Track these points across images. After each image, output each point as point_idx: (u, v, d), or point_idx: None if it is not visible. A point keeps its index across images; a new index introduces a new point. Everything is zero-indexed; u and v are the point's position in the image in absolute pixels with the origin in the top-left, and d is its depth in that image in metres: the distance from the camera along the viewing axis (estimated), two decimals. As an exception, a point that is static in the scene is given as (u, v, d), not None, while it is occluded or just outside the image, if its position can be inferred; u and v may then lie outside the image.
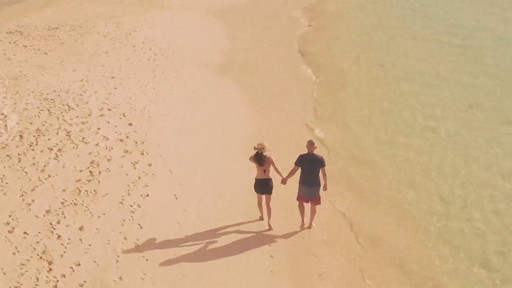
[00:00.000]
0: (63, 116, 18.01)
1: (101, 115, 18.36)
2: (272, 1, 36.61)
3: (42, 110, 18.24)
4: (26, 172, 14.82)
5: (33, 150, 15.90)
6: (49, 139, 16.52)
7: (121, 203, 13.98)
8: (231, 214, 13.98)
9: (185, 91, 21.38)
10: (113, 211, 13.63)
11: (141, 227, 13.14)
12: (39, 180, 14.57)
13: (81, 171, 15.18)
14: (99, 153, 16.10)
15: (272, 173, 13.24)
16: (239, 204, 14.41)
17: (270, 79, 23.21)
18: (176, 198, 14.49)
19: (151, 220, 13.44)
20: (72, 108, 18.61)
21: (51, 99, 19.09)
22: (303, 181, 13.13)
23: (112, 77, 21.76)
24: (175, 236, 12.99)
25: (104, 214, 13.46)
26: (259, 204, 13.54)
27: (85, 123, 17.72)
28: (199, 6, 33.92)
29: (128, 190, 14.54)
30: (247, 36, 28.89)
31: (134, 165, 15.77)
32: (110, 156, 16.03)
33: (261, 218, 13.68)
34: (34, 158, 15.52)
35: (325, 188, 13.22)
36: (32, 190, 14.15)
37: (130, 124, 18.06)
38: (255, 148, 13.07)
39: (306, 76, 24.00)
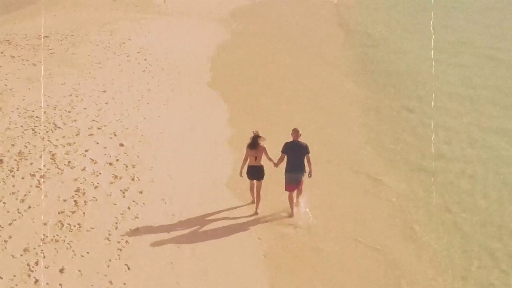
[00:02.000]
0: (48, 136, 16.66)
1: (90, 135, 17.03)
2: (276, 4, 35.17)
3: (26, 130, 16.91)
4: (4, 203, 13.45)
5: (13, 176, 14.54)
6: (31, 164, 15.17)
7: (108, 239, 12.61)
8: (230, 256, 12.59)
9: (182, 107, 20.07)
10: (98, 249, 12.25)
11: (128, 268, 11.76)
12: (18, 212, 13.20)
13: (65, 200, 13.82)
14: (85, 180, 14.74)
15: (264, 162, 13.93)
16: (239, 244, 13.03)
17: (275, 95, 21.80)
18: (169, 232, 13.11)
19: (140, 260, 12.06)
20: (59, 127, 17.27)
21: (36, 117, 17.74)
22: (289, 169, 13.76)
23: (104, 91, 20.43)
24: (167, 279, 11.60)
25: (88, 252, 12.09)
26: (251, 189, 14.29)
27: (72, 144, 16.38)
28: (198, 12, 32.63)
29: (116, 223, 13.17)
30: (250, 45, 27.44)
31: (123, 193, 14.41)
32: (98, 183, 14.67)
33: (253, 202, 14.36)
34: (14, 186, 14.17)
35: (310, 175, 13.89)
36: (10, 224, 12.77)
37: (121, 145, 16.73)
38: (253, 132, 13.86)
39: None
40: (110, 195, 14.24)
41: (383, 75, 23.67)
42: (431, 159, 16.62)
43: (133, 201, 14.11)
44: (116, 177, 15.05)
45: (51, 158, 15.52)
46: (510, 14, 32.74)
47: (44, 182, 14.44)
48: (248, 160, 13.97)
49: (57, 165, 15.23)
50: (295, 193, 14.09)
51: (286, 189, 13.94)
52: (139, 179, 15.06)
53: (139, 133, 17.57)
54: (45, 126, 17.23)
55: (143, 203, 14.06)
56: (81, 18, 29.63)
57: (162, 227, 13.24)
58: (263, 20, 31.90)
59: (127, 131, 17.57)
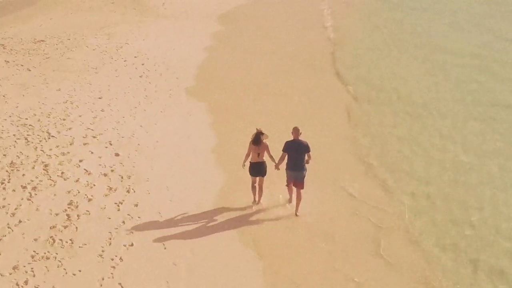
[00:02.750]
0: (41, 145, 16.18)
1: (85, 144, 16.53)
2: (275, 6, 34.53)
3: (18, 139, 16.43)
4: (-7, 218, 12.93)
5: (4, 189, 14.07)
6: (23, 175, 14.68)
7: (101, 255, 12.08)
8: (230, 276, 12.05)
9: (180, 114, 19.51)
10: (90, 267, 11.73)
11: (122, 288, 11.24)
12: (8, 227, 12.72)
13: (57, 214, 13.32)
14: (79, 192, 14.24)
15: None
16: (237, 260, 12.49)
17: (279, 100, 21.21)
18: (165, 248, 12.56)
19: (135, 278, 11.53)
20: (53, 136, 16.78)
21: (30, 125, 17.28)
22: (289, 167, 13.96)
23: (100, 97, 19.92)
24: (162, 300, 11.09)
25: (80, 270, 11.58)
26: (253, 187, 14.43)
27: (66, 154, 15.88)
28: (198, 14, 32.00)
29: (110, 239, 12.64)
30: (250, 49, 26.76)
31: (118, 206, 13.89)
32: (92, 196, 14.16)
33: (254, 201, 14.48)
34: (4, 199, 13.69)
35: (307, 162, 13.94)
36: (0, 240, 12.26)
37: (117, 155, 16.21)
38: (256, 130, 14.01)
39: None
40: (104, 208, 13.73)
41: (372, 82, 22.87)
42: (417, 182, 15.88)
43: (128, 214, 13.59)
44: (111, 189, 14.54)
45: (43, 169, 15.04)
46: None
47: (36, 194, 13.98)
48: (251, 156, 14.12)
49: (50, 177, 14.74)
50: (295, 192, 14.23)
51: (287, 184, 14.29)
52: (134, 191, 14.54)
53: (135, 142, 17.05)
54: (38, 135, 16.76)
55: (139, 217, 13.53)
56: (78, 21, 29.08)
57: (157, 243, 12.68)
58: (263, 20, 31.25)
59: (123, 140, 17.06)
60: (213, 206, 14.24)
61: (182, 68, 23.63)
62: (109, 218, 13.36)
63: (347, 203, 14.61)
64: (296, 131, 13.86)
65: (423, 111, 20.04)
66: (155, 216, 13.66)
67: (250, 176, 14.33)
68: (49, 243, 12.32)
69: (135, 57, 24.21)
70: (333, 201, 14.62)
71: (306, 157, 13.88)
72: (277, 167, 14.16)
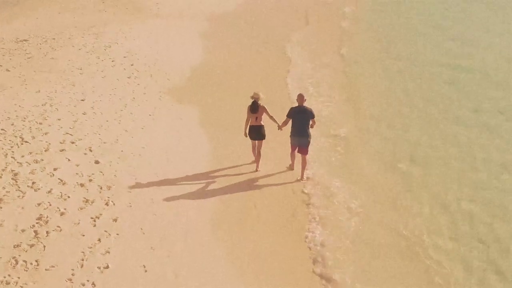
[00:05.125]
0: (12, 152, 14.44)
1: (61, 150, 14.79)
2: (271, 7, 32.78)
3: (-13, 145, 14.65)
4: None
5: (-37, 201, 12.27)
6: (-12, 185, 12.90)
7: (70, 280, 10.35)
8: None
9: (170, 117, 17.84)
10: (57, 294, 9.96)
11: (93, 320, 9.48)
12: (-35, 247, 10.93)
13: (23, 231, 11.57)
14: (50, 204, 12.49)
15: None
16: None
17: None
18: (146, 271, 10.81)
19: (108, 308, 9.76)
20: (26, 141, 15.04)
21: (1, 129, 15.58)
22: (293, 133, 14.24)
23: (82, 100, 18.19)
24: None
25: (44, 299, 9.79)
26: (253, 150, 14.92)
27: (39, 161, 14.14)
28: (192, 15, 30.23)
29: (82, 260, 10.89)
30: (246, 51, 24.99)
31: (94, 221, 12.14)
32: (65, 209, 12.41)
33: (253, 162, 15.00)
34: (-37, 213, 11.89)
35: (311, 126, 14.22)
36: (-47, 262, 10.53)
37: (97, 162, 14.47)
38: (251, 97, 14.32)
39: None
40: (78, 223, 11.99)
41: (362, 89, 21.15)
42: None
43: (105, 231, 11.84)
44: (87, 201, 12.80)
45: (12, 179, 13.29)
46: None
47: (1, 208, 12.21)
48: (250, 120, 14.43)
49: (19, 187, 12.99)
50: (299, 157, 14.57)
51: (292, 150, 14.64)
52: (114, 204, 12.80)
53: (119, 148, 15.32)
54: (10, 141, 15.04)
55: (117, 234, 11.79)
56: (66, 21, 27.35)
57: (137, 264, 10.95)
58: (259, 22, 29.50)
59: (105, 146, 15.33)
60: (206, 223, 12.49)
61: (174, 69, 21.92)
62: (83, 235, 11.62)
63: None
64: (300, 97, 14.15)
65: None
66: (136, 233, 11.94)
67: (250, 140, 14.78)
68: (11, 264, 10.59)
69: (124, 57, 22.50)
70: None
71: (310, 123, 14.06)
72: (280, 127, 14.47)
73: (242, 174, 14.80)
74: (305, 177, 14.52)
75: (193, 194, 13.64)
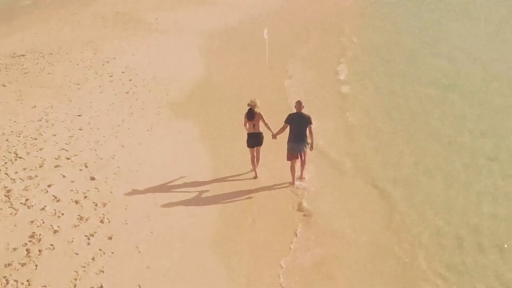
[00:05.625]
0: (6, 168, 14.12)
1: (56, 166, 14.44)
2: (269, 23, 32.48)
3: (-19, 161, 14.30)
4: None
5: (-46, 219, 11.90)
6: (-20, 203, 12.54)
7: (63, 301, 9.91)
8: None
9: (168, 132, 17.51)
10: (48, 316, 9.57)
11: None
12: (-47, 266, 10.54)
13: (15, 249, 11.18)
14: (43, 222, 12.12)
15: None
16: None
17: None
18: (141, 291, 10.40)
19: (101, 331, 9.36)
20: (20, 157, 14.70)
21: (-5, 145, 15.16)
22: (291, 139, 14.17)
23: (79, 115, 17.87)
24: None
25: (34, 321, 9.39)
26: (252, 161, 14.93)
27: (33, 177, 13.78)
28: (192, 30, 29.96)
29: (75, 279, 10.52)
30: (245, 66, 24.62)
31: (88, 238, 11.76)
32: (58, 226, 12.04)
33: (255, 177, 14.90)
34: (-47, 231, 11.52)
35: (311, 148, 14.27)
36: None
37: (92, 179, 14.11)
38: (248, 105, 14.36)
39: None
40: (72, 242, 11.60)
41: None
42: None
43: (100, 249, 11.45)
44: (81, 218, 12.42)
45: (5, 195, 12.95)
46: None
47: (-8, 225, 11.80)
48: (247, 127, 14.56)
49: (12, 204, 12.63)
50: (298, 166, 14.60)
51: (287, 159, 14.46)
52: (109, 221, 12.42)
53: (115, 164, 14.97)
54: (4, 156, 14.70)
55: (112, 252, 11.40)
56: (64, 36, 27.09)
57: (133, 284, 10.54)
58: (258, 38, 29.18)
59: (101, 162, 14.98)
60: (204, 242, 12.10)
61: (173, 84, 21.63)
62: (77, 254, 11.23)
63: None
64: (299, 104, 14.13)
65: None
66: (132, 251, 11.55)
67: (248, 148, 14.80)
68: (1, 284, 10.20)
69: (122, 72, 22.21)
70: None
71: (309, 136, 14.03)
72: (274, 136, 14.44)
73: (242, 190, 14.42)
74: (304, 176, 14.73)
75: (191, 211, 13.25)
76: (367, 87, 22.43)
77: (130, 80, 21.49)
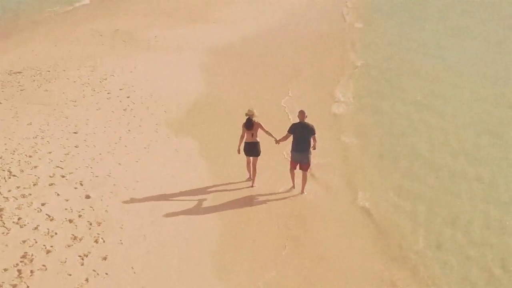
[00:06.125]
0: (-1, 186, 13.70)
1: (50, 185, 14.11)
2: (269, 42, 32.19)
3: (-27, 180, 13.96)
4: None
5: None
6: (-29, 222, 12.18)
7: (54, 325, 9.51)
8: None
9: (166, 150, 17.18)
10: None
11: None
12: None
13: (5, 270, 10.87)
14: (36, 242, 11.78)
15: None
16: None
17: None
18: (136, 314, 10.00)
19: None
20: (14, 175, 14.37)
21: (-11, 164, 14.82)
22: (294, 148, 14.34)
23: (75, 132, 17.56)
24: None
25: None
26: (248, 166, 15.12)
27: (27, 196, 13.46)
28: (191, 47, 29.62)
29: (68, 302, 10.08)
30: (244, 84, 24.25)
31: (82, 259, 11.42)
32: (51, 246, 11.70)
33: (249, 179, 15.19)
34: None
35: (314, 148, 14.43)
36: None
37: (87, 197, 13.78)
38: (246, 114, 14.52)
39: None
40: (65, 262, 11.27)
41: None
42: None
43: (94, 270, 11.12)
44: (75, 238, 12.08)
45: (-3, 214, 12.54)
46: None
47: (-17, 246, 11.43)
48: (245, 137, 14.61)
49: (4, 223, 12.31)
50: (299, 173, 14.70)
51: (291, 166, 14.72)
52: (104, 241, 12.07)
53: (111, 182, 14.63)
54: (-3, 174, 14.32)
55: (106, 273, 11.06)
56: (62, 54, 26.78)
57: (127, 306, 10.15)
58: (257, 56, 28.90)
59: (97, 180, 14.64)
60: (202, 264, 11.73)
61: (171, 101, 21.30)
62: (70, 275, 10.91)
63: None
64: (302, 113, 14.24)
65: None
66: (127, 272, 11.23)
67: (245, 156, 14.93)
68: (-10, 308, 9.78)
69: (120, 89, 21.91)
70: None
71: (312, 142, 14.20)
72: (278, 141, 14.67)
73: (239, 200, 14.55)
74: (305, 192, 14.77)
75: (188, 231, 12.92)
76: (363, 108, 22.07)
77: (128, 97, 21.19)
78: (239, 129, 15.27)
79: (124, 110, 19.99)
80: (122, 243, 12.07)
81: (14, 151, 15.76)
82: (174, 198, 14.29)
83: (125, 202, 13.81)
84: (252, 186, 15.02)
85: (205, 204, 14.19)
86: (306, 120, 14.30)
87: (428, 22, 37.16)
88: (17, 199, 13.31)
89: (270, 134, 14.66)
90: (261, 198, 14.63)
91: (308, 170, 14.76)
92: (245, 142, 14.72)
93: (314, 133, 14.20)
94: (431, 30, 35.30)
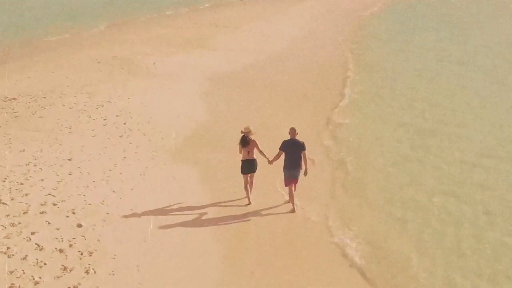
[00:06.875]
0: (-13, 215, 13.19)
1: (41, 213, 13.60)
2: (269, 70, 31.93)
3: (-39, 207, 13.45)
4: None
5: None
6: (-44, 252, 11.65)
7: None
8: None
9: (162, 177, 16.72)
10: None
11: None
12: None
13: (-10, 303, 10.23)
14: (24, 272, 11.24)
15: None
16: None
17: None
18: None
19: None
20: (4, 203, 13.88)
21: (-22, 192, 14.32)
22: (286, 165, 14.62)
23: (69, 159, 17.09)
24: None
25: None
26: (245, 187, 15.13)
27: (16, 225, 12.94)
28: (189, 75, 29.36)
29: None
30: (242, 112, 23.86)
31: (71, 291, 10.82)
32: (40, 277, 11.16)
33: (249, 203, 15.11)
34: None
35: (305, 173, 14.76)
36: None
37: (79, 226, 13.27)
38: (242, 132, 14.76)
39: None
40: (53, 294, 10.66)
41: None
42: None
43: (83, 303, 10.51)
44: (65, 269, 11.54)
45: (-15, 244, 12.02)
46: None
47: (-32, 277, 10.89)
48: (242, 155, 14.89)
49: (-9, 253, 11.71)
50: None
51: (285, 185, 15.00)
52: (95, 272, 11.53)
53: (104, 210, 14.13)
54: (-14, 202, 13.81)
55: (96, 307, 10.46)
56: (59, 80, 26.47)
57: None
58: (257, 84, 28.57)
59: (90, 208, 14.14)
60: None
61: (169, 128, 20.89)
62: (58, 308, 10.29)
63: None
64: (293, 131, 14.62)
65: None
66: (118, 305, 10.60)
67: (242, 175, 15.03)
68: None
69: (116, 116, 21.50)
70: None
71: (302, 160, 14.52)
72: (270, 162, 14.91)
73: (235, 217, 14.67)
74: (296, 206, 14.95)
75: (184, 261, 12.36)
76: (360, 134, 21.79)
77: (124, 123, 20.78)
78: (239, 156, 14.97)
79: (120, 136, 19.56)
80: (114, 274, 11.55)
81: (5, 178, 15.28)
82: (169, 228, 13.78)
83: (118, 231, 13.31)
84: (248, 204, 15.16)
85: (202, 234, 13.70)
86: (297, 137, 14.67)
87: (424, 48, 37.31)
88: (5, 227, 12.79)
89: (263, 155, 14.89)
90: (260, 219, 14.59)
91: (295, 187, 14.96)
92: (242, 161, 14.90)
93: (304, 149, 14.53)
94: (427, 57, 35.40)
